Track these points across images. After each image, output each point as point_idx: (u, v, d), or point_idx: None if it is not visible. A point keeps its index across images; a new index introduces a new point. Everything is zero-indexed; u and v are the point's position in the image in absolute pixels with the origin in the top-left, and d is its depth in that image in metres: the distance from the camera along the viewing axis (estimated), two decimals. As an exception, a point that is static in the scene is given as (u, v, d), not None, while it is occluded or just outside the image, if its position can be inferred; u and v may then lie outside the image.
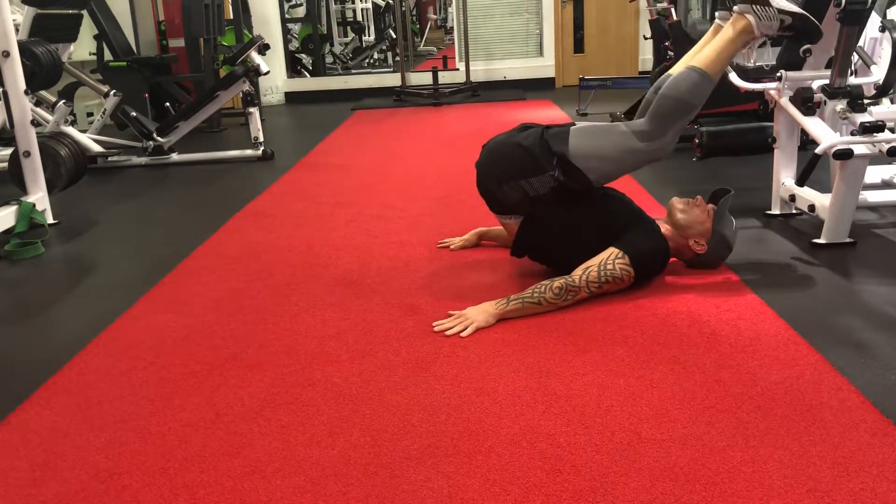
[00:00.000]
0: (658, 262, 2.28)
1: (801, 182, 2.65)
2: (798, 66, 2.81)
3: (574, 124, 2.29)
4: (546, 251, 2.33)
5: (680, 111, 2.19)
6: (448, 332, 2.00)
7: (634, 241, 2.19)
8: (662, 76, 2.33)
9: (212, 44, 6.20)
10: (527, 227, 2.31)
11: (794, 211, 2.94)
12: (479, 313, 2.05)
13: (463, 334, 1.98)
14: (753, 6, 2.20)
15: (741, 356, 1.80)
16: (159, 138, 4.98)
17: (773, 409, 1.55)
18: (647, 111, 2.22)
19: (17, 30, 4.02)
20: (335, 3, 11.18)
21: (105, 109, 5.25)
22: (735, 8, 2.24)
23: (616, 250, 2.16)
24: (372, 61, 11.33)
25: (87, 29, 5.99)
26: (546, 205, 2.26)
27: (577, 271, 2.14)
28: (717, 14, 2.37)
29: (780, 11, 2.20)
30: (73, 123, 4.73)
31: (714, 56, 2.22)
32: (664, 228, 2.32)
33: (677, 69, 2.27)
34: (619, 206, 2.33)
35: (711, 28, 2.40)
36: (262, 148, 4.96)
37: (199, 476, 1.42)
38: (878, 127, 2.38)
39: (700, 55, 2.26)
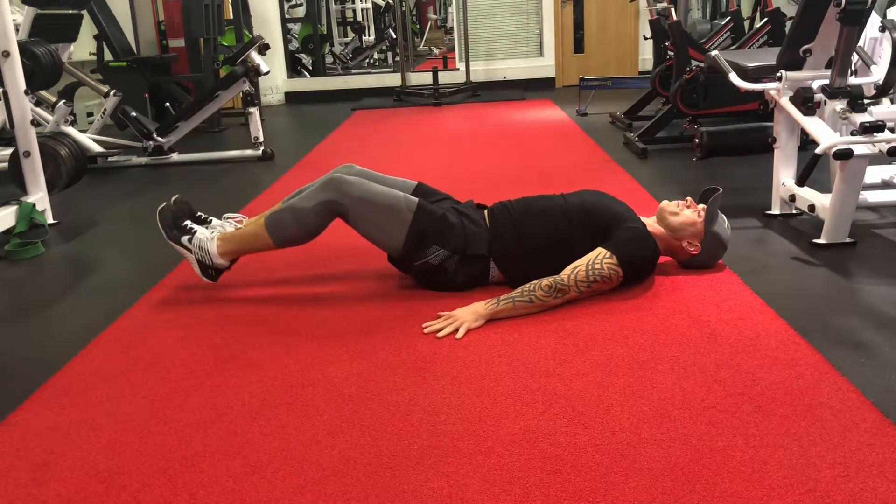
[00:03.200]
0: (647, 262, 2.27)
1: (801, 182, 2.65)
2: (798, 66, 2.81)
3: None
4: (537, 272, 2.21)
5: (297, 220, 2.27)
6: (439, 335, 1.99)
7: (622, 240, 2.18)
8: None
9: (212, 44, 6.20)
10: (504, 266, 2.29)
11: (794, 211, 2.94)
12: (469, 314, 2.05)
13: (457, 336, 1.98)
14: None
15: (741, 356, 1.80)
16: (159, 138, 4.98)
17: (773, 409, 1.55)
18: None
19: (17, 30, 4.02)
20: (335, 3, 11.18)
21: (105, 109, 5.25)
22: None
23: (604, 251, 2.16)
24: (372, 61, 11.33)
25: (87, 29, 5.99)
26: (477, 242, 2.27)
27: (566, 271, 2.14)
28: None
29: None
30: (73, 123, 4.73)
31: (255, 242, 2.33)
32: (654, 228, 2.31)
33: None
34: (600, 208, 2.29)
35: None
36: (262, 148, 4.96)
37: (199, 476, 1.42)
38: (878, 127, 2.38)
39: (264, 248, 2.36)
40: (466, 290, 2.28)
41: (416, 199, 2.27)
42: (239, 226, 2.42)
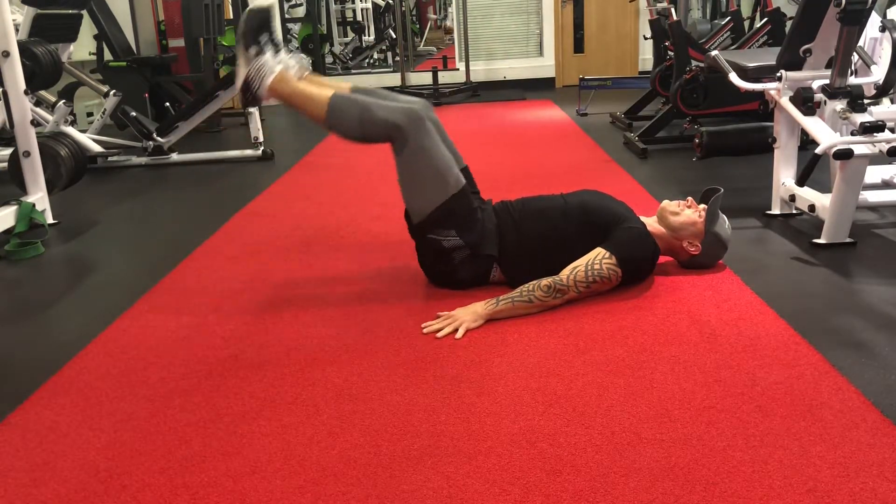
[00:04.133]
0: (646, 262, 2.27)
1: (801, 182, 2.65)
2: (798, 66, 2.81)
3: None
4: (538, 273, 2.20)
5: (368, 122, 2.19)
6: (439, 335, 1.99)
7: (621, 240, 2.18)
8: None
9: (212, 44, 6.20)
10: (507, 267, 2.29)
11: (794, 211, 2.94)
12: (468, 314, 2.05)
13: (456, 336, 1.98)
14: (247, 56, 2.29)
15: (741, 356, 1.80)
16: (159, 138, 4.98)
17: (773, 409, 1.55)
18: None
19: (17, 30, 4.02)
20: (335, 3, 11.18)
21: (105, 109, 5.25)
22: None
23: (603, 251, 2.16)
24: (372, 61, 11.33)
25: (87, 29, 5.99)
26: (489, 242, 2.26)
27: (565, 271, 2.14)
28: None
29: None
30: (73, 123, 4.73)
31: (310, 105, 2.23)
32: (654, 228, 2.31)
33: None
34: (599, 208, 2.29)
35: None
36: (262, 148, 4.96)
37: (199, 476, 1.42)
38: (878, 127, 2.38)
39: (313, 118, 2.27)
40: (464, 289, 2.28)
41: (464, 182, 2.26)
42: (302, 72, 2.29)
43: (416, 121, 2.18)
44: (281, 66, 2.25)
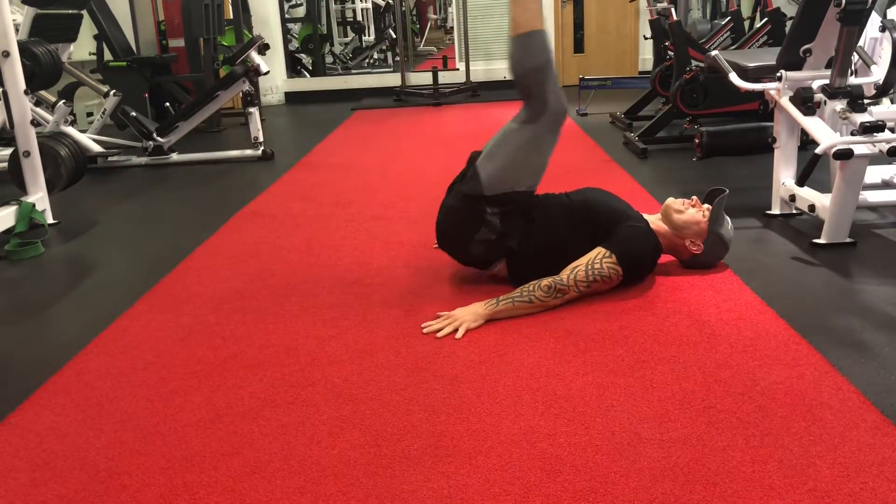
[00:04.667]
0: (648, 260, 2.27)
1: (801, 182, 2.65)
2: (798, 66, 2.81)
3: (477, 157, 2.28)
4: (540, 273, 2.23)
5: (536, 76, 2.16)
6: (439, 335, 2.00)
7: (622, 240, 2.18)
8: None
9: (212, 44, 6.20)
10: (513, 263, 2.29)
11: (794, 211, 2.94)
12: (468, 314, 2.05)
13: (457, 336, 1.98)
14: None
15: (741, 356, 1.80)
16: (159, 138, 4.98)
17: (773, 409, 1.55)
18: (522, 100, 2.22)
19: (17, 30, 4.02)
20: (335, 3, 11.18)
21: (105, 109, 5.26)
22: None
23: (603, 250, 2.16)
24: (372, 61, 11.33)
25: (87, 29, 5.99)
26: (513, 235, 2.24)
27: (566, 271, 2.14)
28: None
29: None
30: (73, 123, 4.73)
31: (519, 14, 2.18)
32: (657, 226, 2.31)
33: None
34: (600, 205, 2.30)
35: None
36: (262, 148, 4.96)
37: (199, 476, 1.42)
38: (878, 127, 2.38)
39: (512, 23, 2.21)
40: (463, 263, 2.31)
41: (534, 189, 2.27)
42: None
43: (560, 114, 2.20)
44: None
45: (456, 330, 2.00)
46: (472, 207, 2.23)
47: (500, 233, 2.23)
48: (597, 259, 2.14)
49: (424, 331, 2.03)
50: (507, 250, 2.27)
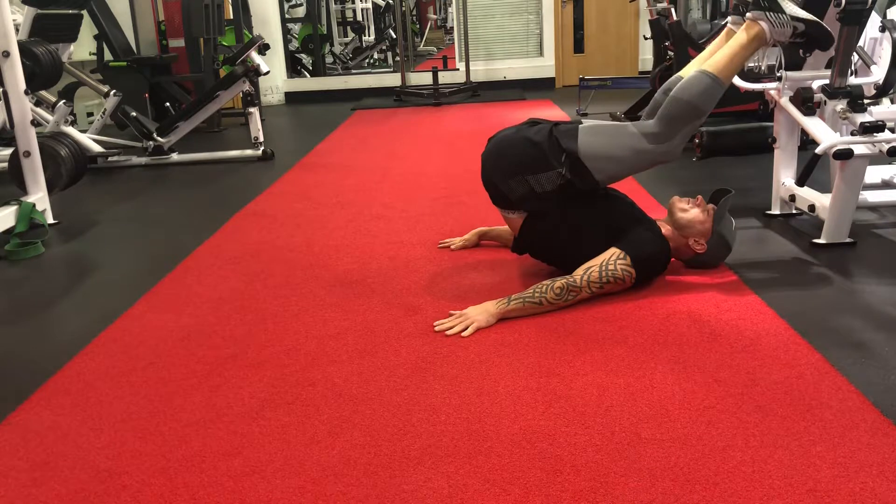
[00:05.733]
0: (660, 263, 2.28)
1: (801, 182, 2.64)
2: (798, 66, 2.81)
3: (581, 122, 2.29)
4: (547, 249, 2.32)
5: (689, 115, 2.17)
6: (449, 332, 2.00)
7: (636, 242, 2.19)
8: (673, 77, 2.31)
9: (212, 44, 6.20)
10: (529, 224, 2.30)
11: (794, 211, 2.94)
12: (480, 313, 2.06)
13: (464, 334, 1.98)
14: (767, 13, 2.20)
15: (741, 356, 1.80)
16: (159, 138, 4.98)
17: (773, 409, 1.55)
18: (657, 113, 2.21)
19: (17, 30, 4.02)
20: (335, 3, 11.18)
21: (105, 109, 5.25)
22: (748, 14, 2.23)
23: (617, 251, 2.16)
24: (372, 61, 11.33)
25: (87, 29, 5.99)
26: (551, 201, 2.24)
27: (579, 271, 2.14)
28: (729, 19, 2.36)
29: (794, 18, 2.20)
30: (73, 123, 4.73)
31: (726, 62, 2.20)
32: (664, 229, 2.32)
33: (688, 71, 2.26)
34: (621, 207, 2.32)
35: (724, 33, 2.38)
36: (262, 148, 4.96)
37: (199, 476, 1.42)
38: (878, 127, 2.38)
39: (712, 60, 2.24)
40: (487, 192, 2.32)
41: (603, 194, 2.30)
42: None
43: (671, 157, 2.21)
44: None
45: (466, 328, 2.00)
46: (552, 153, 2.19)
47: (546, 192, 2.21)
48: (610, 260, 2.14)
49: (436, 329, 2.03)
50: (535, 210, 2.26)
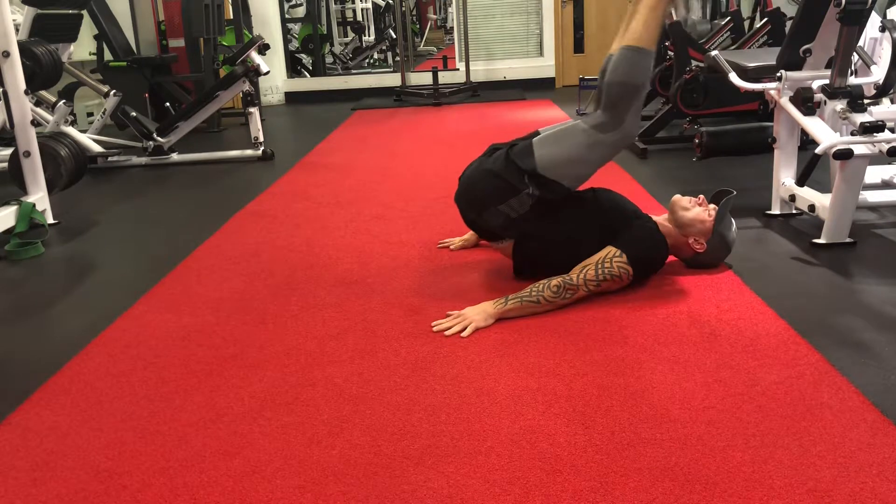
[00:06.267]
0: (657, 260, 2.28)
1: (801, 182, 2.65)
2: (798, 66, 2.81)
3: (538, 133, 2.28)
4: (547, 266, 2.24)
5: (629, 93, 2.16)
6: (447, 333, 2.00)
7: (632, 239, 2.19)
8: (606, 59, 2.28)
9: (212, 44, 6.20)
10: (522, 247, 2.30)
11: (794, 211, 2.94)
12: (478, 313, 2.06)
13: (463, 335, 1.98)
14: None
15: (741, 356, 1.80)
16: (159, 138, 4.98)
17: (773, 409, 1.55)
18: (600, 102, 2.21)
19: (17, 30, 4.02)
20: (335, 3, 11.18)
21: (105, 109, 5.26)
22: None
23: (614, 249, 2.16)
24: (372, 61, 11.33)
25: (87, 29, 5.99)
26: (532, 221, 2.24)
27: (575, 270, 2.14)
28: None
29: None
30: (73, 123, 4.73)
31: (642, 28, 2.18)
32: (663, 226, 2.32)
33: (614, 49, 2.25)
34: (613, 205, 2.32)
35: (631, 4, 2.34)
36: (262, 148, 4.96)
37: (199, 476, 1.42)
38: (878, 127, 2.38)
39: (629, 32, 2.22)
40: (474, 225, 2.33)
41: (572, 194, 2.28)
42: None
43: (630, 138, 2.22)
44: None
45: (464, 329, 2.00)
46: (513, 178, 2.20)
47: (524, 215, 2.22)
48: (607, 258, 2.14)
49: (434, 329, 2.03)
50: (520, 234, 2.26)
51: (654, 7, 2.18)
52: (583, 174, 2.24)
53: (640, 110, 2.20)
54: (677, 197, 2.36)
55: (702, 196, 2.36)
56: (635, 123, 2.19)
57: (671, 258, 2.41)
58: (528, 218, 2.23)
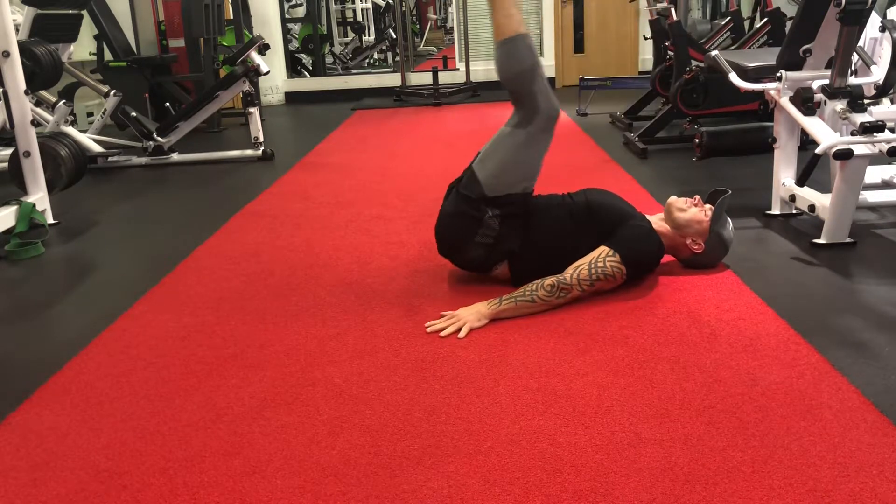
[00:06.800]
0: (651, 260, 2.28)
1: (801, 182, 2.65)
2: (798, 66, 2.81)
3: (475, 159, 2.29)
4: (544, 273, 2.22)
5: (525, 79, 2.18)
6: (442, 334, 2.00)
7: (626, 239, 2.19)
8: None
9: (212, 44, 6.20)
10: (517, 264, 2.29)
11: (794, 211, 2.94)
12: (472, 314, 2.05)
13: (459, 335, 1.98)
14: None
15: (741, 356, 1.80)
16: (159, 138, 4.98)
17: (773, 409, 1.55)
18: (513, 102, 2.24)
19: (17, 30, 4.02)
20: (335, 3, 11.18)
21: (105, 109, 5.26)
22: None
23: (607, 249, 2.16)
24: (372, 61, 11.33)
25: (87, 29, 5.99)
26: (512, 238, 2.25)
27: (569, 269, 2.14)
28: None
29: None
30: (73, 123, 4.73)
31: (502, 19, 2.22)
32: (659, 226, 2.32)
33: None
34: (606, 205, 2.30)
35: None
36: (262, 148, 4.96)
37: (199, 476, 1.42)
38: (878, 127, 2.38)
39: (494, 30, 2.25)
40: (462, 268, 2.31)
41: (531, 191, 2.29)
42: None
43: (552, 116, 2.22)
44: None
45: (459, 329, 2.00)
46: (471, 209, 2.23)
47: (499, 235, 2.24)
48: (600, 258, 2.14)
49: (428, 330, 2.03)
50: (507, 253, 2.27)
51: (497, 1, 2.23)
52: (529, 173, 2.25)
53: (546, 88, 2.21)
54: (673, 198, 2.36)
55: (697, 196, 2.36)
56: (548, 100, 2.20)
57: (670, 258, 2.42)
58: (506, 236, 2.24)
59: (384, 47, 11.45)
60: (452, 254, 2.34)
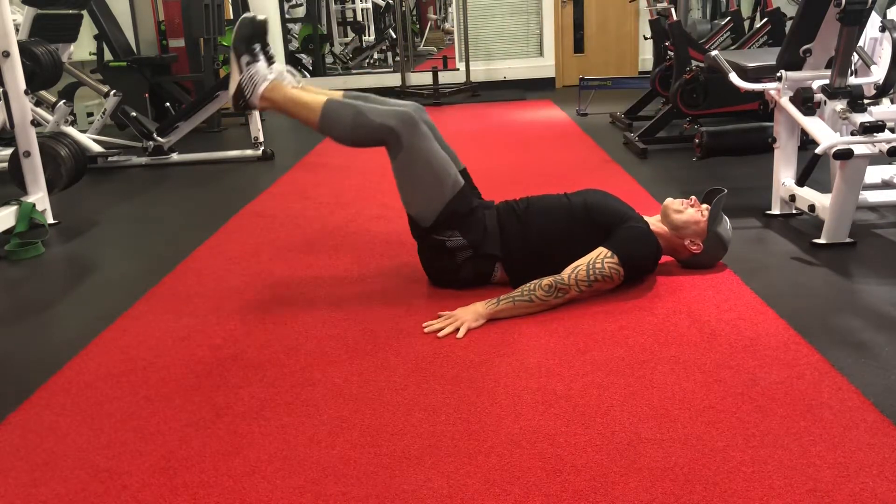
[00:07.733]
0: (649, 261, 2.28)
1: (801, 182, 2.65)
2: (798, 66, 2.81)
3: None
4: (543, 274, 2.19)
5: (362, 126, 2.18)
6: (440, 335, 2.00)
7: (623, 240, 2.19)
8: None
9: (212, 44, 6.20)
10: (513, 267, 2.29)
11: (794, 211, 2.94)
12: (470, 314, 2.05)
13: (458, 335, 1.98)
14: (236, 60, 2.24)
15: (741, 356, 1.80)
16: (159, 138, 4.98)
17: (773, 409, 1.55)
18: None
19: (17, 30, 4.02)
20: (335, 3, 11.17)
21: (105, 109, 5.25)
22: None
23: (605, 250, 2.16)
24: (372, 61, 11.33)
25: (87, 29, 5.99)
26: (488, 243, 2.26)
27: (567, 270, 2.14)
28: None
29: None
30: (73, 123, 4.73)
31: (304, 114, 2.22)
32: (657, 228, 2.32)
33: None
34: (604, 206, 2.29)
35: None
36: (262, 148, 4.96)
37: (199, 476, 1.42)
38: (878, 127, 2.38)
39: (308, 125, 2.26)
40: (465, 289, 2.28)
41: (462, 182, 2.28)
42: (295, 84, 2.28)
43: (409, 123, 2.19)
44: (273, 75, 2.25)
45: (457, 330, 2.00)
46: (431, 244, 2.29)
47: (471, 243, 2.25)
48: (598, 259, 2.14)
49: (426, 330, 2.03)
50: (494, 257, 2.27)
51: (276, 102, 2.23)
52: (442, 173, 2.23)
53: (381, 110, 2.20)
54: (669, 200, 2.36)
55: (693, 197, 2.36)
56: (393, 115, 2.18)
57: (670, 258, 2.42)
58: (480, 240, 2.25)
59: (384, 47, 11.44)
60: (450, 282, 2.34)
